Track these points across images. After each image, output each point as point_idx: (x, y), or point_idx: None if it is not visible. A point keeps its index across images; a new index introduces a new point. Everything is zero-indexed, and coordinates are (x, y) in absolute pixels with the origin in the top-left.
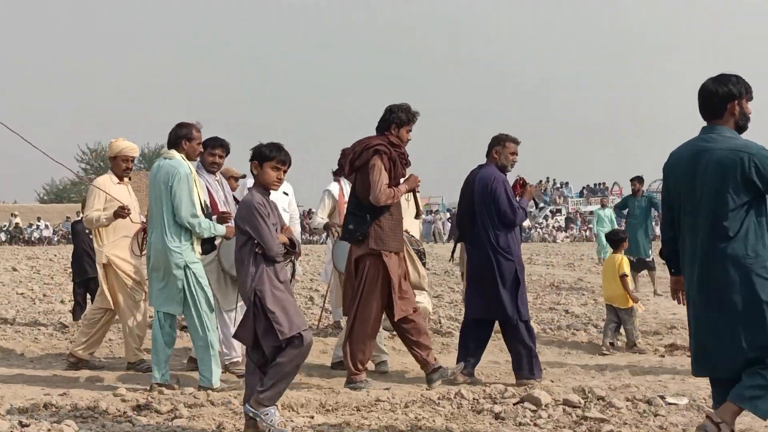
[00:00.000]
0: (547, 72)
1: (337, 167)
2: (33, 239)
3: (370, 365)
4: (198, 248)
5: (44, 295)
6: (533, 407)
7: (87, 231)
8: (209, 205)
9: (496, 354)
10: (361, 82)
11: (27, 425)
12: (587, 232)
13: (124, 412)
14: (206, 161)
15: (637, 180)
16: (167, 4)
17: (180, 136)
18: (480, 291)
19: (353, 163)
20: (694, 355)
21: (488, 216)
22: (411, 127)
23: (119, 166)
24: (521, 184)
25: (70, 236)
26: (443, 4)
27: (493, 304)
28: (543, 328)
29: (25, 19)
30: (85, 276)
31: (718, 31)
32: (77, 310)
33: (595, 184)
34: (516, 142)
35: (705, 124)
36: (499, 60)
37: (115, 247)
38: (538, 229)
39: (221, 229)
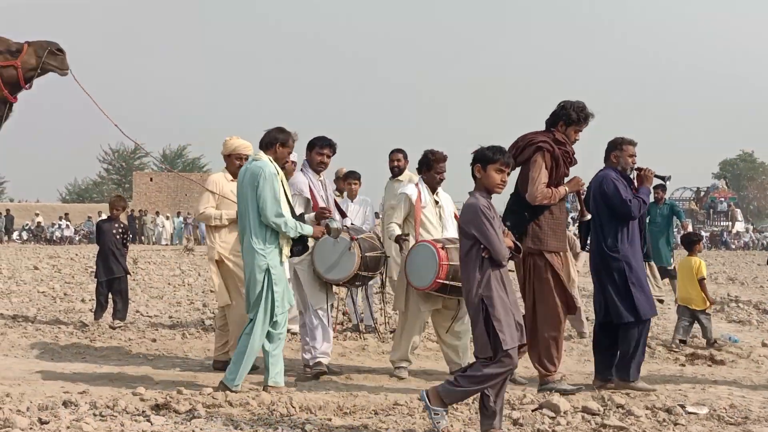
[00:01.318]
0: (575, 76)
1: (417, 166)
2: (55, 238)
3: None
4: (287, 251)
5: (65, 294)
6: (552, 414)
7: (114, 231)
8: (311, 204)
9: None
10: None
11: (46, 422)
12: None
13: (143, 411)
14: (314, 160)
15: (660, 188)
16: (193, 7)
17: (276, 139)
18: (598, 294)
19: (515, 159)
20: None
21: (598, 216)
22: (581, 128)
23: (233, 164)
24: (638, 172)
25: (91, 236)
26: None
27: (609, 305)
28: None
29: (46, 18)
30: (110, 276)
31: None
32: (98, 310)
33: None
34: (633, 144)
35: None
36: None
37: (229, 245)
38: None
39: (308, 229)
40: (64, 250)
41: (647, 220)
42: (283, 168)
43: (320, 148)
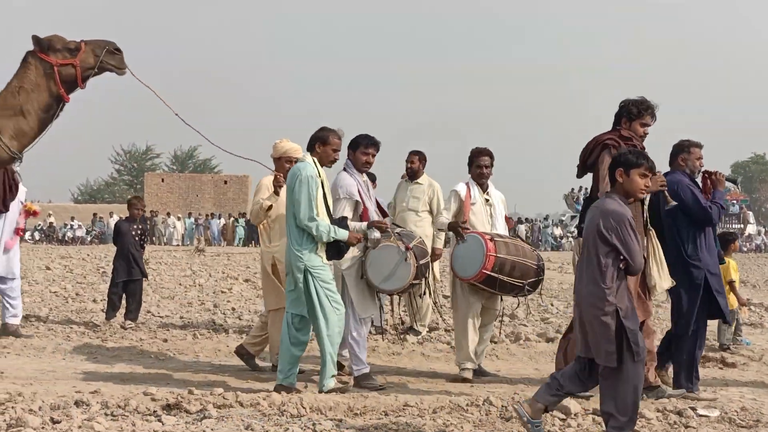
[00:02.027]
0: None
1: (482, 170)
2: (67, 239)
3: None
4: (322, 253)
5: (77, 294)
6: (562, 416)
7: (133, 232)
8: (360, 208)
9: (525, 362)
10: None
11: (58, 422)
12: None
13: (154, 411)
14: (359, 160)
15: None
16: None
17: (315, 138)
18: (677, 303)
19: (585, 162)
20: None
21: (674, 223)
22: (647, 120)
23: (283, 167)
24: (707, 177)
25: (103, 236)
26: None
27: (684, 314)
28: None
29: (61, 19)
30: (129, 277)
31: None
32: (110, 310)
33: None
34: (700, 146)
35: None
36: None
37: (282, 248)
38: (569, 239)
39: (343, 234)
40: (75, 251)
41: None
42: (332, 163)
43: (365, 147)
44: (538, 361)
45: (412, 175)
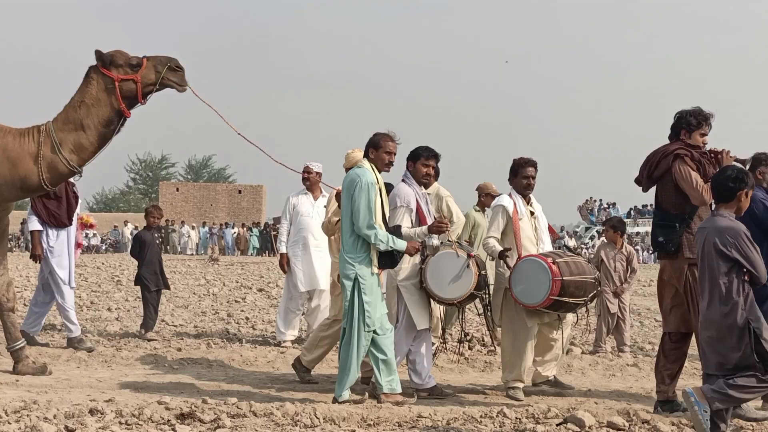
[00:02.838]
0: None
1: (509, 176)
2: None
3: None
4: (375, 262)
5: (92, 303)
6: (577, 428)
7: (156, 241)
8: (418, 218)
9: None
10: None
11: (73, 430)
12: None
13: (168, 420)
14: (419, 172)
15: None
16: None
17: (368, 145)
18: None
19: (652, 174)
20: None
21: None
22: (705, 130)
23: None
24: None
25: (117, 245)
26: None
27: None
28: (587, 350)
29: (76, 26)
30: (159, 286)
31: None
32: (150, 321)
33: (642, 206)
34: None
35: None
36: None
37: None
38: (584, 250)
39: (401, 244)
40: (90, 259)
41: None
42: (388, 167)
43: (426, 159)
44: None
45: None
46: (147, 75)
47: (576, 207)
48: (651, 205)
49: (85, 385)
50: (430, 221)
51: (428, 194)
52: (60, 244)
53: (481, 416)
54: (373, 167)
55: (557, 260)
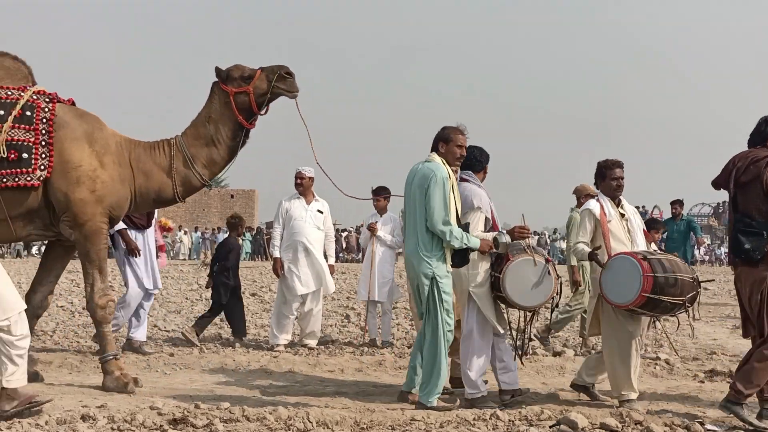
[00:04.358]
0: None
1: (595, 180)
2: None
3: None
4: (449, 261)
5: (83, 309)
6: (570, 430)
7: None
8: (490, 221)
9: (532, 376)
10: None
11: None
12: None
13: (160, 425)
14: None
15: (678, 203)
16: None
17: (437, 138)
18: None
19: (738, 179)
20: None
21: None
22: None
23: None
24: None
25: (110, 249)
26: None
27: None
28: (585, 352)
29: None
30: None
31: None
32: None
33: (635, 207)
34: None
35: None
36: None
37: None
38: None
39: (475, 242)
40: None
41: (664, 236)
42: (459, 161)
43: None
44: (545, 375)
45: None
46: (259, 85)
47: (569, 209)
48: (644, 206)
49: (77, 391)
50: (500, 224)
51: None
52: (142, 246)
53: (474, 419)
54: (443, 161)
55: (649, 257)
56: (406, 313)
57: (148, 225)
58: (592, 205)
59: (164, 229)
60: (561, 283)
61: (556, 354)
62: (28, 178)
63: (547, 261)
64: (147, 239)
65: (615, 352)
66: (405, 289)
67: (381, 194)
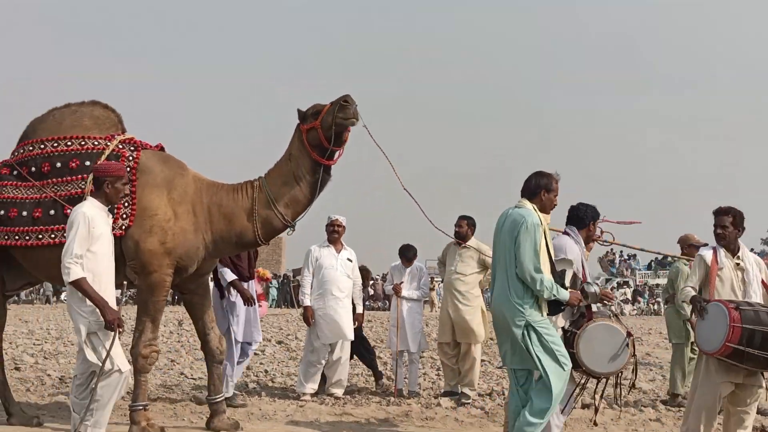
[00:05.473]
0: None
1: (719, 231)
2: None
3: None
4: (544, 307)
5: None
6: None
7: None
8: (578, 274)
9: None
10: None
11: None
12: (655, 306)
13: None
14: (588, 236)
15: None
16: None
17: (540, 186)
18: None
19: None
20: None
21: None
22: None
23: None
24: None
25: None
26: None
27: None
28: (609, 403)
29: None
30: None
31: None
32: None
33: (663, 257)
34: None
35: None
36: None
37: None
38: (605, 301)
39: (564, 294)
40: None
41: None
42: (552, 209)
43: (594, 221)
44: (574, 428)
45: (460, 239)
46: (326, 119)
47: (596, 259)
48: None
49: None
50: (589, 279)
51: (466, 247)
52: (239, 298)
53: None
54: (535, 208)
55: (742, 307)
56: (432, 363)
57: (251, 276)
58: (705, 252)
59: (262, 279)
60: (636, 362)
61: (584, 406)
62: (112, 228)
63: (628, 334)
64: (250, 289)
65: (694, 400)
66: (431, 338)
67: (407, 251)
